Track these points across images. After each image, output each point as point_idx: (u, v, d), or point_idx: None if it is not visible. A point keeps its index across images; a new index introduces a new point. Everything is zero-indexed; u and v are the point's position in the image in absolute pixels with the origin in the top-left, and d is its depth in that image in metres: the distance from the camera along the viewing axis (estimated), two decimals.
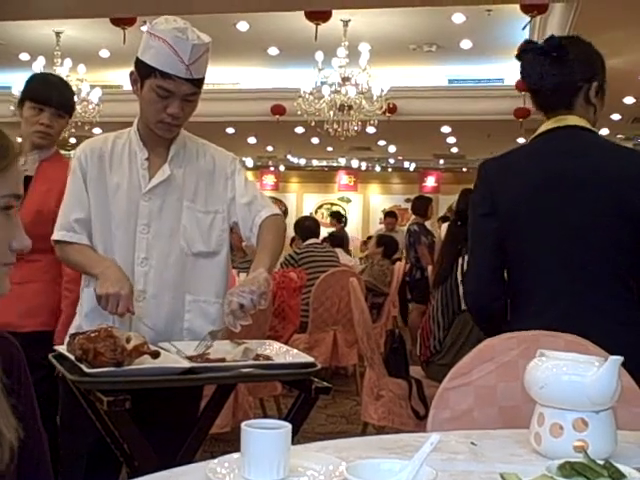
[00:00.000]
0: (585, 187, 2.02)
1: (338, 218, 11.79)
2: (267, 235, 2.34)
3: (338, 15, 8.66)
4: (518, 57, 2.17)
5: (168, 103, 2.22)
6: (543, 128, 2.16)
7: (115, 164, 2.34)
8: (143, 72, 2.23)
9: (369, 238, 13.09)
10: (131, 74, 2.29)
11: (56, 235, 2.34)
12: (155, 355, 1.93)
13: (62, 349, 2.05)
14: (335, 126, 9.70)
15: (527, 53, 2.14)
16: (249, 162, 18.67)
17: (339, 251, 7.45)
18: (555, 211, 2.03)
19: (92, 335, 1.90)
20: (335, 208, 19.59)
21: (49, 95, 2.90)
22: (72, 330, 2.33)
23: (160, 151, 2.36)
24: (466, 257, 3.85)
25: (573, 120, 2.11)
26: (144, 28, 9.35)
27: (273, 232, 2.36)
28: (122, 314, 2.12)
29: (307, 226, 6.50)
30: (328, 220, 13.12)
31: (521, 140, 12.94)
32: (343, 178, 19.89)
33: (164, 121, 2.26)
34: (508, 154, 2.20)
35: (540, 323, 1.79)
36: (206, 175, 2.39)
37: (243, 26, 9.45)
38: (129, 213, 2.30)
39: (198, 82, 2.25)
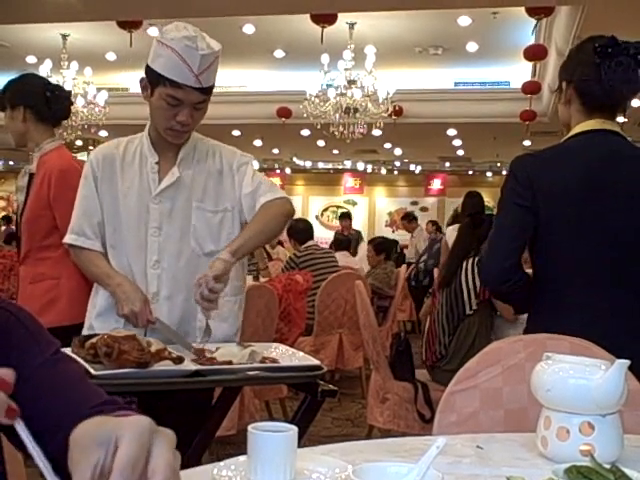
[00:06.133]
0: (627, 193, 2.04)
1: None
2: (253, 220, 2.34)
3: (344, 18, 8.67)
4: (601, 54, 2.05)
5: (178, 111, 2.25)
6: (584, 127, 2.12)
7: (126, 168, 2.37)
8: (153, 80, 2.25)
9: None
10: (141, 80, 2.31)
11: (67, 238, 2.39)
12: (179, 360, 1.94)
13: (68, 351, 2.05)
14: (341, 129, 9.71)
15: (617, 56, 2.04)
16: (255, 165, 18.68)
17: (345, 254, 7.44)
18: (597, 213, 2.04)
19: (116, 335, 1.92)
20: (341, 211, 19.62)
21: None
22: (84, 331, 2.35)
23: (170, 155, 2.39)
24: (470, 260, 3.85)
25: (614, 126, 2.12)
26: (150, 31, 9.39)
27: (262, 216, 2.34)
28: (145, 326, 2.24)
29: (302, 229, 6.47)
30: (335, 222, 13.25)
31: (527, 143, 12.95)
32: (349, 181, 19.89)
33: (173, 128, 2.29)
34: (545, 151, 2.16)
35: (573, 323, 1.85)
36: (215, 175, 2.41)
37: (249, 29, 9.47)
38: (140, 216, 2.34)
39: (207, 90, 2.27)
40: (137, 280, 2.32)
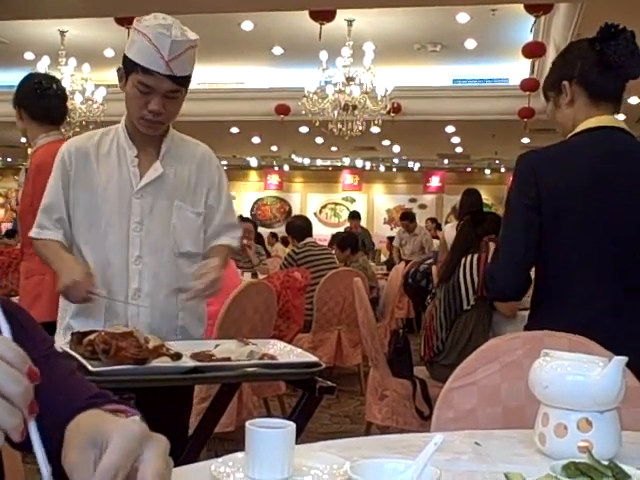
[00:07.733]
0: (628, 188, 2.05)
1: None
2: (218, 248, 2.43)
3: (342, 15, 8.66)
4: (601, 39, 2.08)
5: (149, 99, 2.22)
6: (590, 124, 2.12)
7: (102, 161, 2.33)
8: (127, 68, 2.23)
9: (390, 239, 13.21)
10: (118, 70, 2.28)
11: (32, 232, 2.36)
12: (177, 357, 1.94)
13: (65, 347, 2.05)
14: (339, 126, 9.69)
15: (619, 37, 2.07)
16: (253, 162, 18.69)
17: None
18: (599, 209, 2.04)
19: (114, 332, 1.92)
20: (339, 208, 19.60)
21: None
22: (61, 330, 2.33)
23: (149, 149, 2.35)
24: (469, 257, 3.86)
25: (619, 123, 2.13)
26: None
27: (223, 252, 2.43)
28: (88, 298, 2.17)
29: (299, 225, 6.48)
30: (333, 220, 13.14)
31: (525, 140, 12.95)
32: (347, 178, 19.88)
33: (145, 117, 2.25)
34: (550, 148, 2.15)
35: (576, 320, 1.87)
36: (195, 176, 2.40)
37: (247, 25, 9.45)
38: (121, 211, 2.30)
39: (180, 80, 2.23)
40: (117, 275, 2.29)
